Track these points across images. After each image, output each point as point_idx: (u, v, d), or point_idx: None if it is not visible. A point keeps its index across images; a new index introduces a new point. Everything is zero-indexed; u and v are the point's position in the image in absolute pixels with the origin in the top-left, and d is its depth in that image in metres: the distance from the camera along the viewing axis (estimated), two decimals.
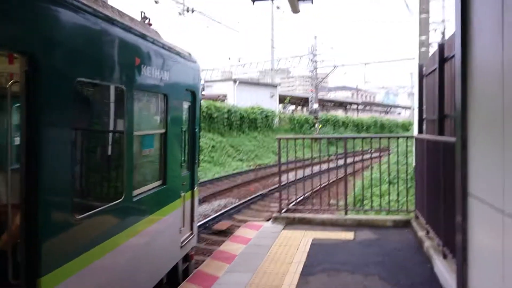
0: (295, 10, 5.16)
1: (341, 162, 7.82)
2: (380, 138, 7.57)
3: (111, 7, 4.36)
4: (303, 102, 49.67)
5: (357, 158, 18.72)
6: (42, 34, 2.97)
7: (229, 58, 39.74)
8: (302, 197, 9.21)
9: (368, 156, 10.18)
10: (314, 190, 9.14)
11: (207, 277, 5.41)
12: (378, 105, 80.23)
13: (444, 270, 4.55)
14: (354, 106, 63.62)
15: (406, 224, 6.94)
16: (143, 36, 4.65)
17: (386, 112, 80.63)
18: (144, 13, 6.18)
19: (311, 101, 41.10)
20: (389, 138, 7.75)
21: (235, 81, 33.40)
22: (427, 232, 5.82)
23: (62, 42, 3.18)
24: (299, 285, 4.57)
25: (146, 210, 4.77)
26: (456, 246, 3.68)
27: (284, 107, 45.52)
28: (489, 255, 2.98)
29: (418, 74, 6.95)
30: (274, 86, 41.06)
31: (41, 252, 2.90)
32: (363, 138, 7.36)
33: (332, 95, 76.57)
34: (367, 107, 73.71)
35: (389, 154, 7.99)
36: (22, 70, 2.82)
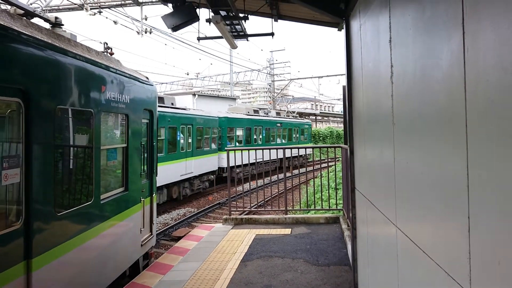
0: (233, 46, 6.27)
1: (297, 170, 8.99)
2: (312, 148, 8.78)
3: (81, 44, 5.35)
4: None
5: (316, 166, 20.07)
6: (33, 75, 3.93)
7: (187, 73, 40.27)
8: (255, 205, 10.29)
9: (322, 164, 11.36)
10: (269, 197, 10.16)
11: (163, 266, 6.35)
12: (335, 115, 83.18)
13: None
14: (313, 117, 65.72)
15: (336, 220, 8.20)
16: (107, 68, 5.64)
17: None
18: (107, 44, 7.14)
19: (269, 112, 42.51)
20: (320, 148, 9.05)
21: (194, 94, 34.28)
22: (348, 225, 7.06)
23: (46, 80, 4.15)
24: (239, 268, 5.65)
25: (111, 211, 5.71)
26: (351, 228, 4.89)
27: None
28: (363, 231, 4.18)
29: (342, 92, 8.27)
30: (233, 98, 42.21)
31: (33, 239, 3.82)
32: (299, 148, 8.57)
33: (293, 106, 78.84)
34: (326, 118, 76.34)
35: (335, 163, 9.25)
36: (19, 102, 3.76)
